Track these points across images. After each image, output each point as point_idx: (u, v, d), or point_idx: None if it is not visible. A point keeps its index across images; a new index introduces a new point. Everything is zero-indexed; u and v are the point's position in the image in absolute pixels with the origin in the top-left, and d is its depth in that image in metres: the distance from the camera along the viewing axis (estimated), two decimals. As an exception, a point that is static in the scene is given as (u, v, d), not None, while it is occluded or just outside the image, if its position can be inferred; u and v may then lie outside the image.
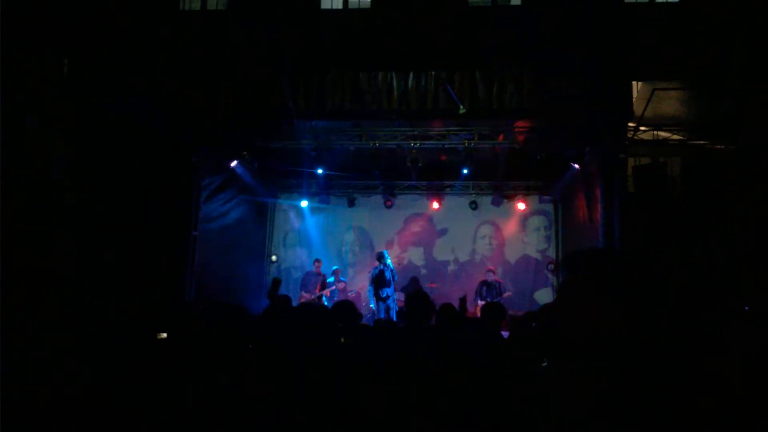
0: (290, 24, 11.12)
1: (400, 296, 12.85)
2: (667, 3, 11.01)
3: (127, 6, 10.92)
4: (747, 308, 5.55)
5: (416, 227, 15.48)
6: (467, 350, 3.78)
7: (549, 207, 15.03)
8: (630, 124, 10.70)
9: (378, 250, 13.72)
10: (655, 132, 11.10)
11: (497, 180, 14.19)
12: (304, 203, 15.22)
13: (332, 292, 13.40)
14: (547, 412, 1.59)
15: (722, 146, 10.65)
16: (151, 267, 9.91)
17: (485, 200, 14.99)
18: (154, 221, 10.17)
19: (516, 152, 12.30)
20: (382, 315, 12.05)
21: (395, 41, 10.85)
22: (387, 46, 10.87)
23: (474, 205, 14.85)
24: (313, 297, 13.10)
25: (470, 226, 15.19)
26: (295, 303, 8.45)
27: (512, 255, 15.10)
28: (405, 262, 15.13)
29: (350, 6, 11.80)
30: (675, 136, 11.10)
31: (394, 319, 12.04)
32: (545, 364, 1.70)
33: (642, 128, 10.84)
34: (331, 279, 13.66)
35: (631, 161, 11.07)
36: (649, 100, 10.16)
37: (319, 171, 13.10)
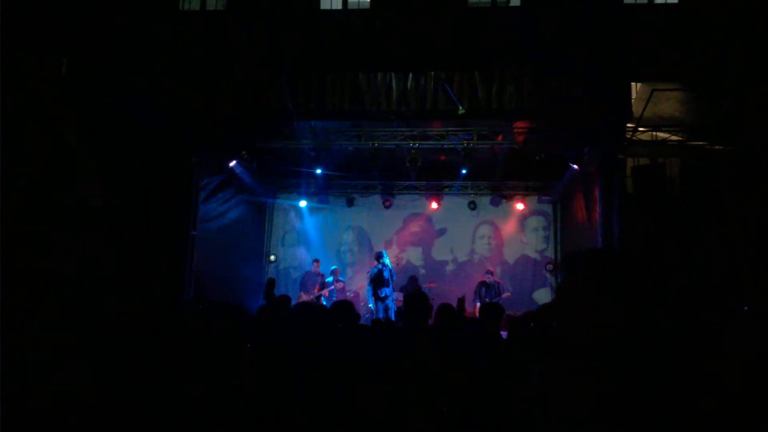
0: (290, 25, 11.12)
1: (399, 296, 12.84)
2: (666, 4, 11.01)
3: (127, 6, 10.91)
4: (746, 309, 5.56)
5: (415, 227, 15.48)
6: (466, 350, 3.79)
7: (548, 207, 15.04)
8: (629, 125, 10.72)
9: (377, 249, 13.72)
10: (654, 133, 11.12)
11: (496, 180, 14.20)
12: (302, 203, 15.23)
13: (331, 291, 13.40)
14: (546, 412, 1.59)
15: (721, 147, 10.66)
16: (150, 267, 9.91)
17: (484, 200, 15.01)
18: (154, 221, 10.17)
19: (515, 153, 12.32)
20: (381, 315, 12.05)
21: (395, 42, 10.84)
22: (386, 47, 10.86)
23: (473, 206, 14.86)
24: (312, 297, 13.10)
25: (469, 226, 15.20)
26: (294, 303, 8.44)
27: (511, 255, 15.11)
28: (404, 262, 15.13)
29: (349, 6, 11.79)
30: (674, 137, 11.11)
31: (393, 318, 12.03)
32: (540, 366, 1.70)
33: (641, 129, 10.86)
34: (329, 279, 13.66)
35: (630, 162, 11.08)
36: (648, 101, 10.18)
37: (318, 171, 13.11)
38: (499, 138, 11.75)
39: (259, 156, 13.18)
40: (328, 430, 3.00)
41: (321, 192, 14.78)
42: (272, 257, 15.44)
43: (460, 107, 10.26)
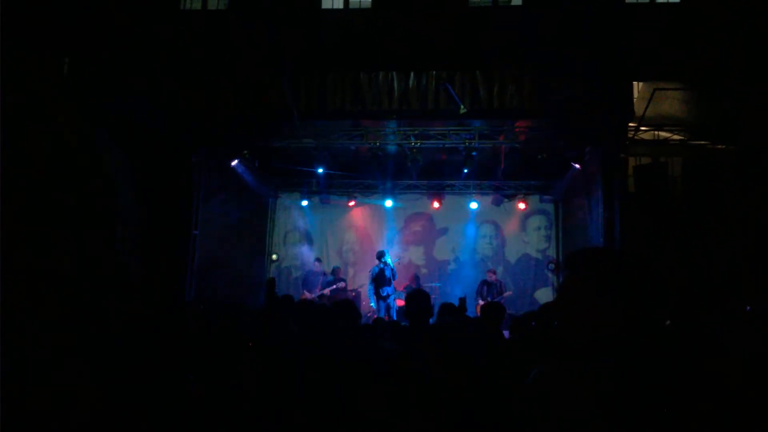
0: (291, 24, 11.13)
1: (401, 295, 12.83)
2: (667, 4, 11.01)
3: (127, 6, 10.92)
4: (749, 308, 5.55)
5: (416, 226, 15.47)
6: (467, 350, 3.78)
7: (549, 207, 15.02)
8: (631, 124, 10.71)
9: (378, 249, 13.71)
10: (656, 132, 11.11)
11: (498, 180, 14.18)
12: (304, 202, 15.21)
13: (332, 291, 13.40)
14: (547, 411, 1.59)
15: (723, 147, 10.65)
16: (151, 267, 9.91)
17: (486, 200, 14.99)
18: (154, 221, 10.17)
19: (517, 152, 12.31)
20: (383, 314, 12.05)
21: (396, 41, 10.85)
22: (388, 47, 10.87)
23: (474, 205, 14.84)
24: (314, 296, 13.12)
25: (470, 225, 15.18)
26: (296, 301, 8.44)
27: (512, 254, 15.10)
28: (405, 261, 15.11)
29: (351, 6, 11.80)
30: (676, 136, 11.10)
31: (395, 317, 12.04)
32: (540, 366, 1.70)
33: (643, 128, 10.85)
34: (331, 278, 13.66)
35: (632, 161, 11.08)
36: (650, 100, 10.17)
37: (320, 170, 13.10)
38: (501, 137, 11.74)
39: (261, 155, 13.18)
40: (328, 430, 2.99)
41: (323, 191, 14.76)
42: (274, 256, 15.43)
43: (462, 106, 10.26)
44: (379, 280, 12.41)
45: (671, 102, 10.79)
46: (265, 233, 15.44)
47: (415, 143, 11.93)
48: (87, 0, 10.70)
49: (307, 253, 15.25)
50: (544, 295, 14.26)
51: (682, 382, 1.50)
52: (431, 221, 15.41)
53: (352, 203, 15.33)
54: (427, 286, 13.82)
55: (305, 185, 14.78)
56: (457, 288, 13.83)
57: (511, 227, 15.14)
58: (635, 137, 10.86)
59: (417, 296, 4.52)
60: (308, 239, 15.51)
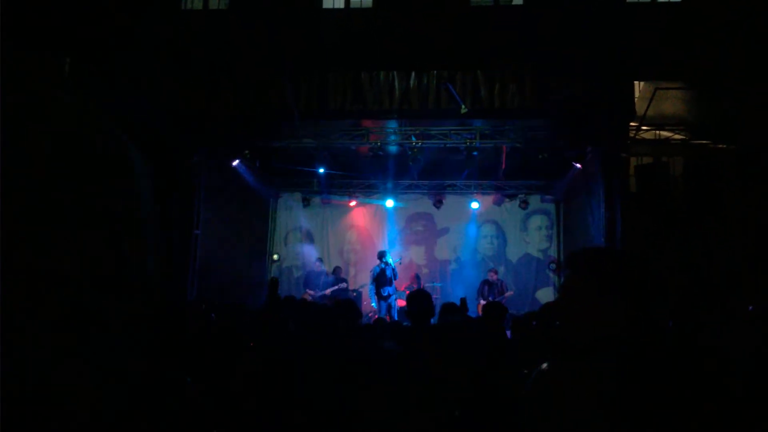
0: (292, 24, 11.13)
1: (402, 295, 12.82)
2: (667, 3, 11.01)
3: (127, 6, 10.92)
4: (751, 308, 5.54)
5: (418, 226, 15.46)
6: (469, 350, 3.78)
7: (551, 206, 15.01)
8: (632, 124, 10.71)
9: (379, 249, 13.70)
10: (658, 132, 11.11)
11: (499, 179, 14.17)
12: (305, 202, 15.21)
13: (333, 292, 13.39)
14: (548, 411, 1.59)
15: (724, 146, 10.65)
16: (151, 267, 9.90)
17: (487, 199, 14.99)
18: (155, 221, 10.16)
19: (518, 152, 12.30)
20: (384, 313, 12.04)
21: (397, 41, 10.85)
22: (388, 46, 10.87)
23: (476, 205, 14.83)
24: (317, 295, 13.12)
25: (472, 225, 15.17)
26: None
27: (514, 254, 15.09)
28: (406, 261, 15.10)
29: (351, 5, 11.80)
30: (677, 136, 11.10)
31: (395, 317, 12.03)
32: (541, 366, 1.70)
33: (644, 128, 10.84)
34: (332, 278, 13.66)
35: (633, 161, 11.07)
36: (651, 100, 10.17)
37: (321, 170, 13.10)
38: (502, 137, 11.73)
39: (262, 155, 13.17)
40: (328, 430, 2.99)
41: (324, 191, 14.76)
42: (275, 256, 15.42)
43: (463, 106, 10.25)
44: (381, 280, 12.39)
45: (672, 102, 10.79)
46: (266, 233, 15.44)
47: (416, 143, 11.92)
48: (87, 0, 10.70)
49: (308, 253, 15.24)
50: (546, 295, 14.25)
51: (682, 382, 1.50)
52: (432, 221, 15.40)
53: (353, 203, 15.33)
54: (428, 285, 13.81)
55: (306, 185, 14.78)
56: (459, 288, 13.82)
57: (512, 227, 15.13)
58: (636, 137, 10.86)
59: (418, 296, 4.52)
60: (309, 239, 15.50)
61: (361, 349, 3.91)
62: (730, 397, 1.58)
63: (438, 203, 14.91)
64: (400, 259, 14.24)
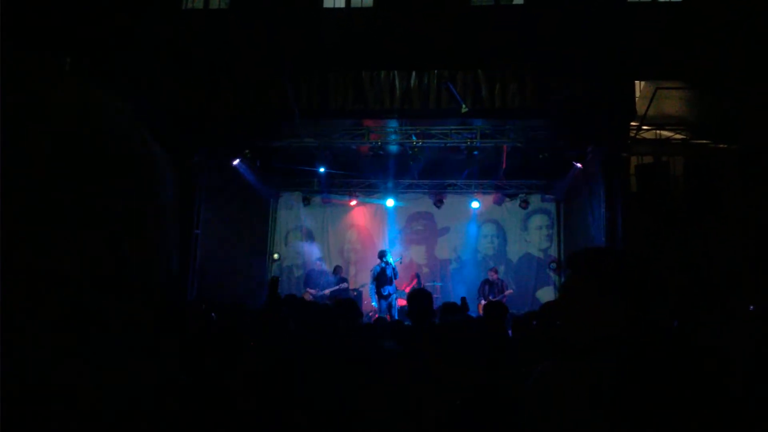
0: (292, 23, 11.12)
1: (402, 294, 12.82)
2: (667, 3, 11.00)
3: (128, 6, 10.92)
4: (752, 308, 5.54)
5: (418, 226, 15.45)
6: (469, 349, 3.78)
7: (551, 206, 15.01)
8: (633, 124, 10.70)
9: (380, 248, 13.69)
10: (658, 131, 11.11)
11: (499, 179, 14.17)
12: (306, 201, 15.21)
13: (333, 292, 13.39)
14: (548, 411, 1.59)
15: (725, 146, 10.65)
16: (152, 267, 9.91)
17: (487, 199, 14.99)
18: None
19: (518, 151, 12.30)
20: (384, 313, 12.04)
21: (397, 40, 10.85)
22: (389, 46, 10.87)
23: (476, 204, 14.83)
24: (318, 294, 13.11)
25: (472, 224, 15.17)
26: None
27: (514, 254, 15.08)
28: (407, 260, 15.09)
29: (352, 5, 11.79)
30: (678, 136, 11.09)
31: (396, 316, 12.03)
32: (542, 365, 1.70)
33: (645, 127, 10.84)
34: (333, 278, 13.65)
35: (633, 160, 11.07)
36: (651, 100, 10.17)
37: (321, 170, 13.10)
38: (502, 137, 11.73)
39: (262, 155, 13.17)
40: (328, 430, 2.99)
41: (324, 190, 14.76)
42: (275, 255, 15.42)
43: (463, 106, 10.26)
44: (381, 279, 12.39)
45: (673, 101, 10.79)
46: (266, 233, 15.44)
47: (417, 142, 11.93)
48: (87, 0, 10.70)
49: (308, 252, 15.23)
50: (546, 295, 14.25)
51: (682, 382, 1.50)
52: (433, 220, 15.40)
53: (353, 202, 15.33)
54: (428, 285, 13.81)
55: (307, 184, 14.78)
56: (459, 287, 13.83)
57: (512, 226, 15.13)
58: (637, 136, 10.85)
59: (419, 296, 4.52)
60: (310, 238, 15.50)
61: (361, 349, 3.90)
62: (730, 397, 1.58)
63: (438, 203, 14.92)
64: (401, 258, 14.23)
